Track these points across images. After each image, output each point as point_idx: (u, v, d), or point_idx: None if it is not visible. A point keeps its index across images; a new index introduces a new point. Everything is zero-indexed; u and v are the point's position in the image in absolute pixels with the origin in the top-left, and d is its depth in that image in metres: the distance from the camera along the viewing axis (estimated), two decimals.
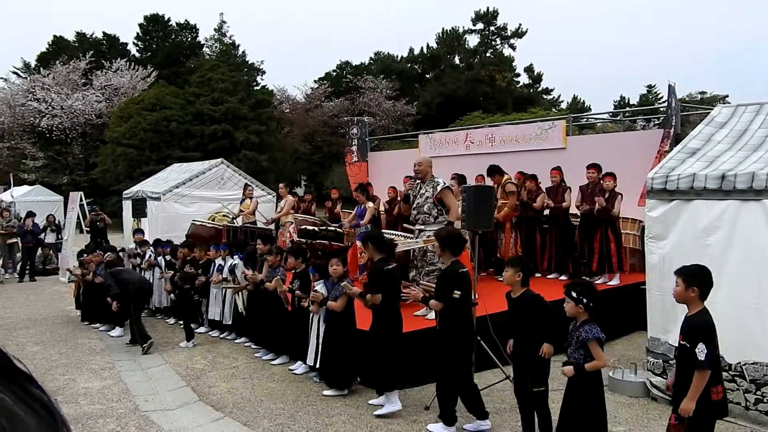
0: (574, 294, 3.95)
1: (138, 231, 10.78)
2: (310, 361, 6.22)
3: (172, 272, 8.49)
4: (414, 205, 6.73)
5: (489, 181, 9.26)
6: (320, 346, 6.05)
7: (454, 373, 4.80)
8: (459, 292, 4.73)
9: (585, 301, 3.92)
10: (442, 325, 4.91)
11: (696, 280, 3.73)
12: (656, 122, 22.00)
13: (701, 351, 3.53)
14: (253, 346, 7.49)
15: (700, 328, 3.61)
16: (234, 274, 7.84)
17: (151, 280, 9.53)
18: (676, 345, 3.85)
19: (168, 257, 9.03)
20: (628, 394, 5.71)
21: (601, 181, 8.27)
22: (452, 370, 4.80)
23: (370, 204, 9.58)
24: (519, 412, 4.67)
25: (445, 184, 6.79)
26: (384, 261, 5.49)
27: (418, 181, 6.94)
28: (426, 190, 6.67)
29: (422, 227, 6.62)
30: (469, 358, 5.01)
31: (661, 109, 15.66)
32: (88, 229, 14.40)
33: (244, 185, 12.60)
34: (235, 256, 8.04)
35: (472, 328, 5.06)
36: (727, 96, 35.29)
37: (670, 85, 9.52)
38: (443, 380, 4.88)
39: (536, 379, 4.36)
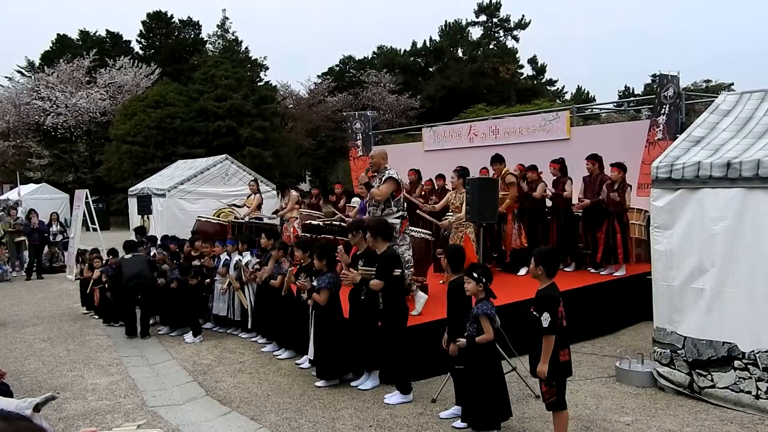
0: (475, 275, 4.48)
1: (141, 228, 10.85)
2: (310, 354, 6.24)
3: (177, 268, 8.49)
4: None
5: (491, 170, 9.16)
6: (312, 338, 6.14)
7: (398, 345, 5.39)
8: (399, 270, 5.40)
9: (484, 281, 4.48)
10: (386, 303, 5.40)
11: (544, 260, 4.27)
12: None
13: (545, 319, 4.06)
14: (259, 341, 7.50)
15: (545, 300, 4.13)
16: (239, 270, 7.85)
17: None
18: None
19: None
20: (635, 384, 5.70)
21: (602, 172, 8.20)
22: (396, 342, 5.39)
23: None
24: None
25: (395, 175, 6.42)
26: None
27: (375, 175, 6.64)
28: (377, 183, 6.45)
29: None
30: (404, 328, 5.50)
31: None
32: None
33: (250, 180, 12.59)
34: (245, 253, 8.05)
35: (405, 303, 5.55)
36: (732, 84, 35.04)
37: (662, 74, 9.42)
38: (391, 355, 5.44)
39: (459, 357, 4.73)
